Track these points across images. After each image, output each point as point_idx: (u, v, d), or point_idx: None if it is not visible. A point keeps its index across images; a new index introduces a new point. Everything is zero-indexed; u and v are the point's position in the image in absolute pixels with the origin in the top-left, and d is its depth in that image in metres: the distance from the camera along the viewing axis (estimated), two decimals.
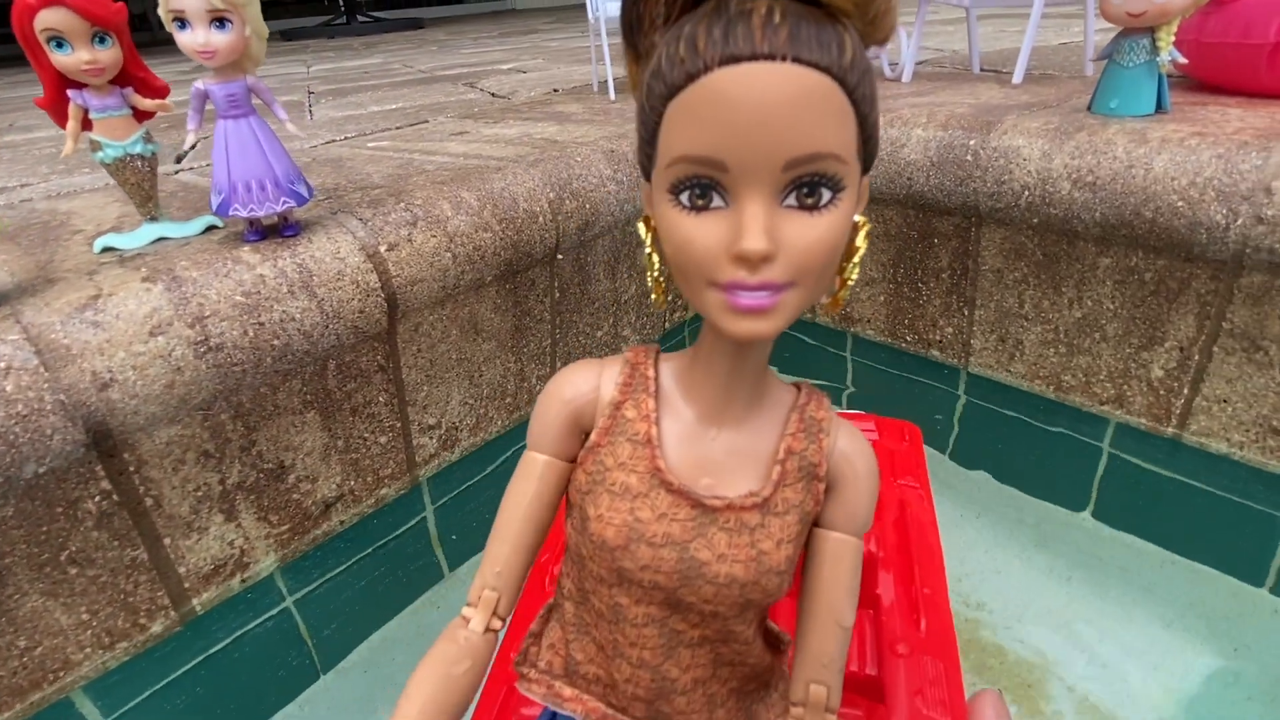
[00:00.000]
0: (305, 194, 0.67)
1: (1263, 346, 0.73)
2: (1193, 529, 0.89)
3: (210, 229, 0.72)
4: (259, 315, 0.63)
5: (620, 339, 1.10)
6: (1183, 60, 0.80)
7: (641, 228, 0.35)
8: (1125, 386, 0.85)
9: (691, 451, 0.37)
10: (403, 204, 0.76)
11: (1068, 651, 0.86)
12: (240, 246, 0.66)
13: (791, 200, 0.28)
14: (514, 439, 0.98)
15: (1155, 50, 0.79)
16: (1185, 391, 0.80)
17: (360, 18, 6.06)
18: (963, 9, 1.27)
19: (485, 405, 0.91)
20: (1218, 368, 0.77)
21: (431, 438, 0.86)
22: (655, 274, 0.36)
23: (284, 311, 0.64)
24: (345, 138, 1.24)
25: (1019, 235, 0.86)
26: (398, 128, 1.30)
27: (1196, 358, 0.78)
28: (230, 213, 0.64)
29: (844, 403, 1.23)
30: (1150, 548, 0.94)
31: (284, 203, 0.65)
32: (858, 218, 0.32)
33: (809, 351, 1.25)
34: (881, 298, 1.06)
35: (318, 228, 0.70)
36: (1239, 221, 0.68)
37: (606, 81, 1.39)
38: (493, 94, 1.70)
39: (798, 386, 0.40)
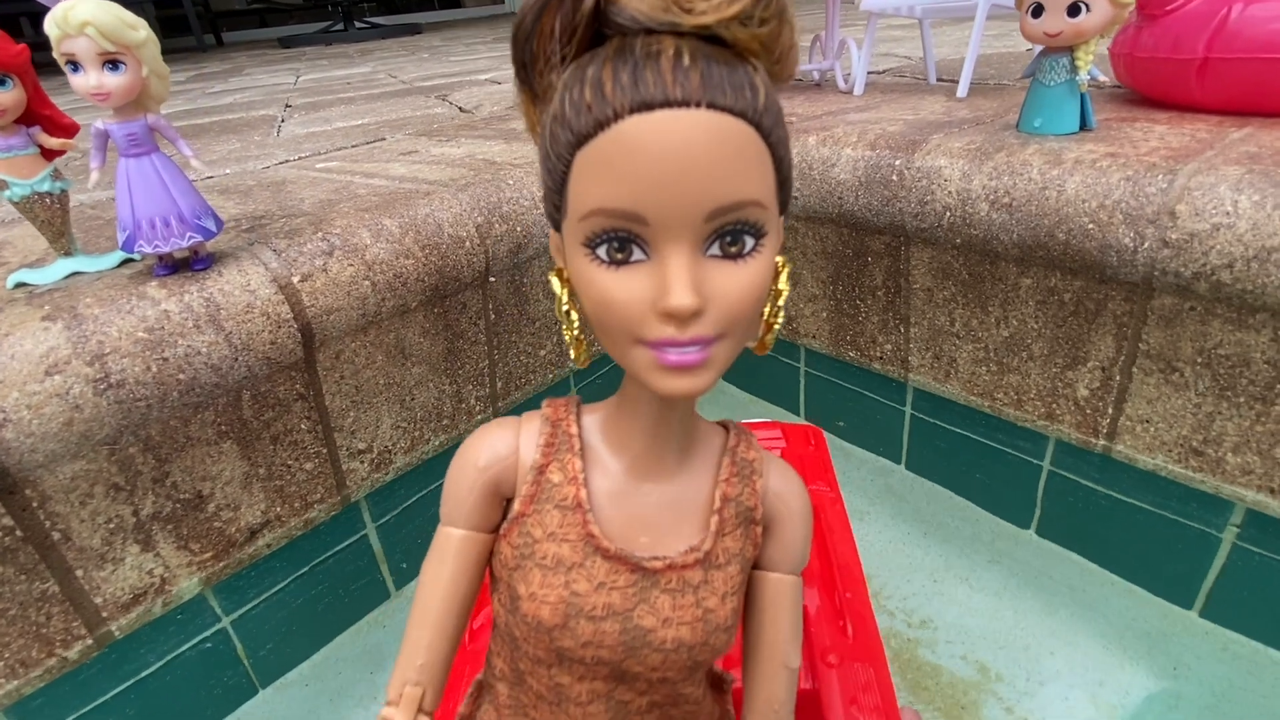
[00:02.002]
0: (213, 228, 0.68)
1: (1178, 368, 0.72)
2: (1130, 547, 0.88)
3: (127, 262, 0.73)
4: (162, 351, 0.64)
5: (566, 357, 1.10)
6: (1102, 78, 0.80)
7: (554, 281, 0.33)
8: (1054, 404, 0.85)
9: (625, 510, 0.35)
10: (320, 233, 0.77)
11: (1009, 670, 0.86)
12: (148, 282, 0.67)
13: (715, 249, 0.27)
14: (451, 457, 0.99)
15: (1074, 69, 0.78)
16: (1110, 411, 0.80)
17: (358, 24, 6.09)
18: (915, 19, 1.26)
19: (419, 427, 0.91)
20: (1138, 388, 0.76)
21: (362, 461, 0.87)
22: (574, 332, 0.33)
23: (189, 346, 0.65)
24: (299, 158, 1.25)
25: (945, 255, 0.86)
26: (353, 146, 1.31)
27: (1118, 378, 0.77)
28: (135, 249, 0.65)
29: (801, 414, 1.23)
30: (1093, 565, 0.93)
31: (190, 238, 0.66)
32: (778, 258, 0.31)
33: (763, 363, 1.25)
34: (824, 313, 1.06)
35: (230, 260, 0.71)
36: (1146, 245, 0.68)
37: None
38: (460, 108, 1.71)
39: (725, 426, 0.39)
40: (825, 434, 0.81)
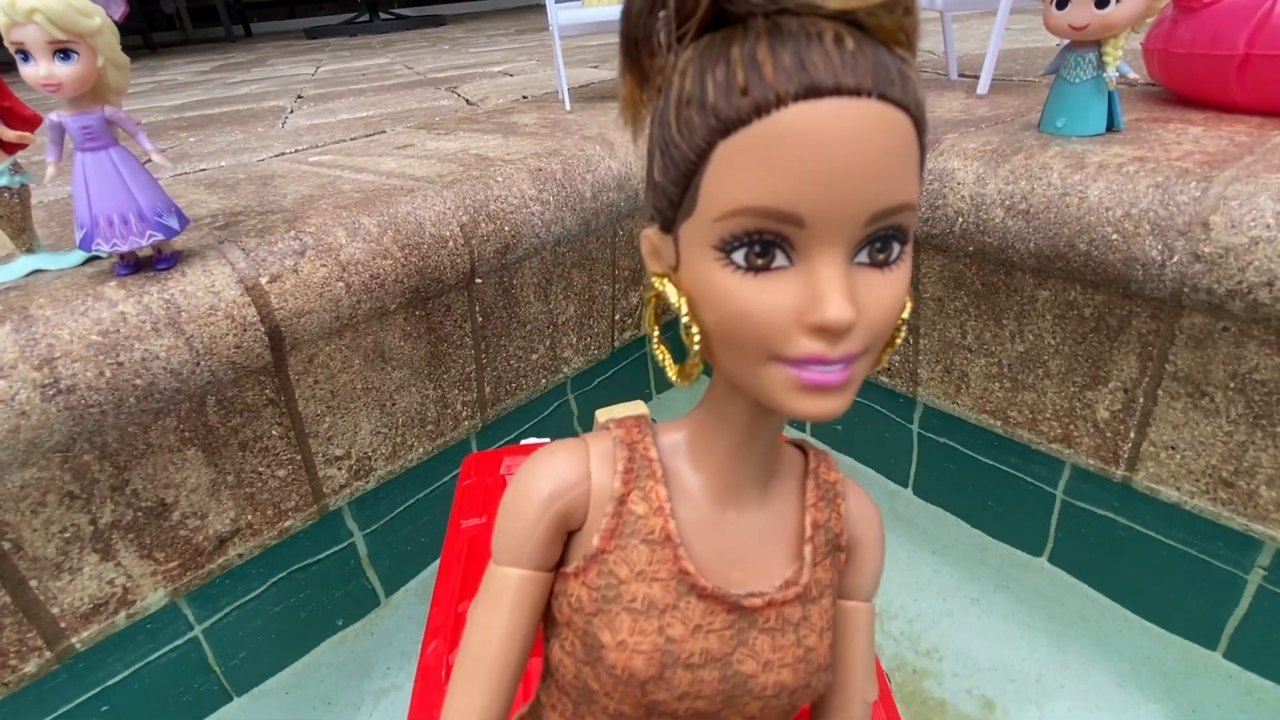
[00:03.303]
0: (175, 226, 0.65)
1: (1208, 392, 0.66)
2: (1148, 581, 0.82)
3: (92, 260, 0.70)
4: (117, 355, 0.61)
5: (561, 361, 1.06)
6: (1133, 75, 0.73)
7: (669, 290, 0.28)
8: (1072, 426, 0.79)
9: (715, 543, 0.31)
10: (293, 232, 0.73)
11: (1019, 705, 0.81)
12: (107, 281, 0.64)
13: (863, 257, 0.25)
14: (442, 463, 0.96)
15: (1102, 65, 0.72)
16: (1132, 435, 0.74)
17: (383, 15, 6.10)
18: (935, 12, 1.20)
19: (402, 433, 0.88)
20: (1163, 412, 0.70)
21: (340, 468, 0.83)
22: (695, 345, 0.28)
23: (146, 350, 0.62)
24: (295, 150, 1.22)
25: (957, 263, 0.80)
26: (351, 139, 1.28)
27: (1141, 400, 0.71)
28: (93, 248, 0.62)
29: (806, 429, 1.18)
30: (1107, 599, 0.88)
31: (150, 236, 0.63)
32: None
33: None
34: None
35: (196, 259, 0.68)
36: (1175, 258, 0.62)
37: (562, 91, 1.35)
38: (466, 100, 1.67)
39: (801, 448, 0.35)
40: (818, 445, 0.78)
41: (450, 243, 0.83)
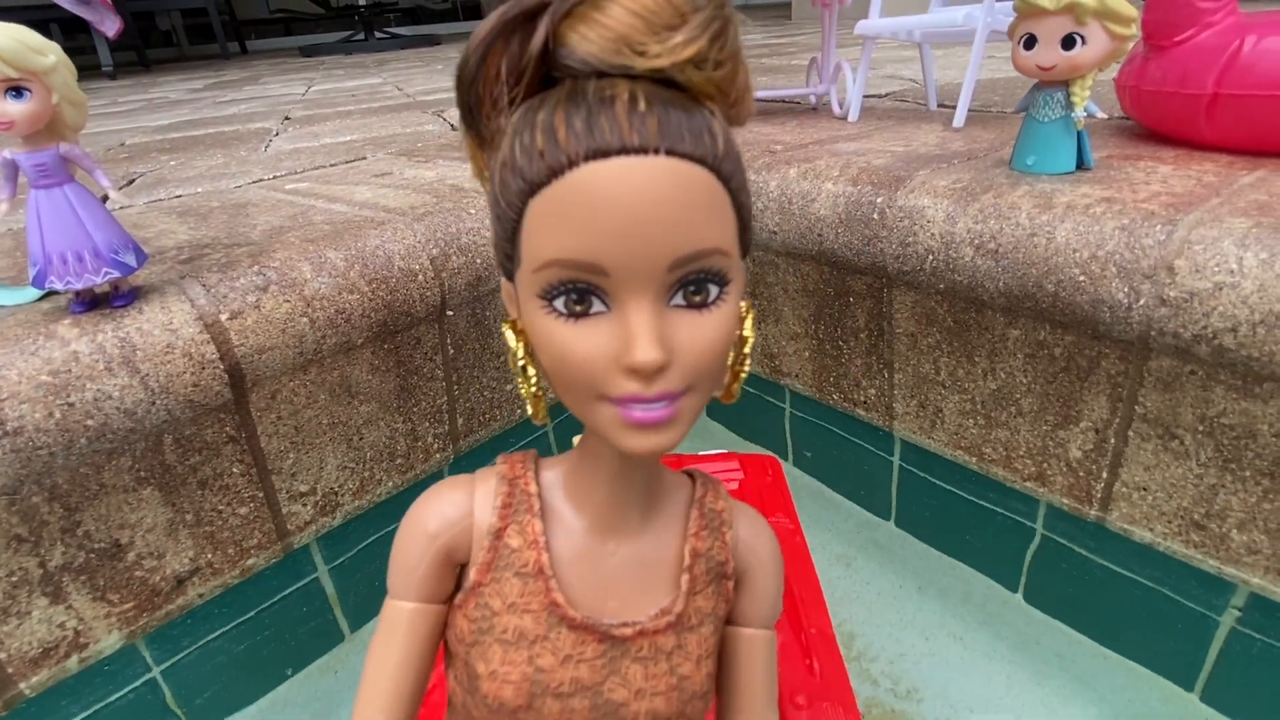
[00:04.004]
0: (132, 263, 0.64)
1: (1177, 435, 0.66)
2: (1125, 621, 0.81)
3: (50, 295, 0.69)
4: (68, 395, 0.60)
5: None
6: (1100, 114, 0.73)
7: (509, 333, 0.31)
8: (1045, 465, 0.78)
9: (590, 574, 0.32)
10: (256, 266, 0.72)
11: None
12: (61, 319, 0.63)
13: (679, 299, 0.26)
14: (411, 498, 0.94)
15: (1070, 105, 0.72)
16: (1104, 475, 0.73)
17: (378, 34, 6.14)
18: (914, 43, 1.20)
19: (370, 467, 0.87)
20: (1135, 453, 0.70)
21: (305, 504, 0.82)
22: (532, 387, 0.31)
23: (99, 390, 0.61)
24: (273, 177, 1.22)
25: (929, 300, 0.80)
26: (332, 165, 1.28)
27: (1113, 441, 0.71)
28: (46, 285, 0.61)
29: (790, 458, 1.17)
30: (1085, 638, 0.87)
31: (105, 274, 0.62)
32: (741, 304, 0.29)
33: (749, 404, 1.19)
34: (806, 353, 1.01)
35: (155, 296, 0.67)
36: (1141, 301, 0.61)
37: None
38: (451, 125, 1.68)
39: (690, 476, 0.36)
40: (782, 464, 0.78)
41: (420, 276, 0.82)
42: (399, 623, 0.33)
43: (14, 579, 0.63)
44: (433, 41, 5.90)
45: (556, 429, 1.14)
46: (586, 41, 0.24)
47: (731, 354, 0.30)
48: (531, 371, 0.31)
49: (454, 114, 1.86)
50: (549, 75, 0.26)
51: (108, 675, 0.74)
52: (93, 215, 0.61)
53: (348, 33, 6.30)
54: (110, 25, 0.59)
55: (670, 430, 0.26)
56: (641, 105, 0.24)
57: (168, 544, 0.72)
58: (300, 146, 1.52)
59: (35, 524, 0.62)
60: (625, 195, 0.24)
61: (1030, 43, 0.72)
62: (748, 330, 0.30)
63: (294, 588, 0.87)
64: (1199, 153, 0.82)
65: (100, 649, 0.71)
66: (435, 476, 0.97)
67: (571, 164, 0.24)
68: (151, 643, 0.76)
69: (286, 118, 2.10)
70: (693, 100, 0.25)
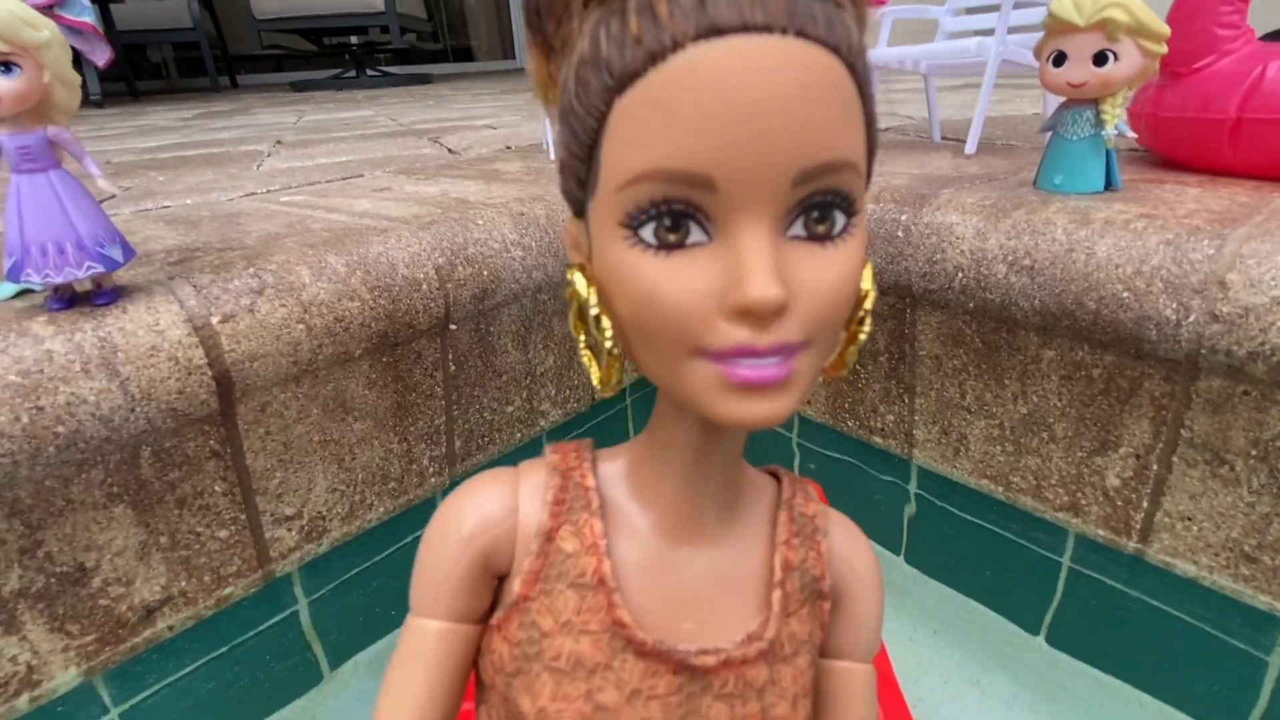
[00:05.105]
0: (118, 258, 0.59)
1: (1227, 460, 0.62)
2: (1164, 663, 0.77)
3: (26, 293, 0.64)
4: (38, 398, 0.54)
5: (538, 414, 1.01)
6: (1130, 134, 0.72)
7: (577, 279, 0.25)
8: (1079, 494, 0.74)
9: (661, 587, 0.27)
10: (252, 269, 0.68)
11: None
12: (37, 316, 0.58)
13: (798, 229, 0.21)
14: (402, 524, 0.88)
15: (1100, 123, 0.71)
16: (1145, 505, 0.70)
17: (370, 72, 6.19)
18: (920, 73, 1.21)
19: (361, 491, 0.81)
20: (1179, 481, 0.66)
21: (290, 529, 0.76)
22: (607, 343, 0.25)
23: (72, 393, 0.55)
24: (267, 190, 1.17)
25: (956, 320, 0.77)
26: (327, 181, 1.24)
27: (1155, 468, 0.68)
28: (22, 279, 0.56)
29: None
30: (1118, 681, 0.82)
31: (88, 268, 0.57)
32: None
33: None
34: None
35: (141, 295, 0.62)
36: (1191, 318, 0.59)
37: (546, 141, 1.34)
38: (449, 149, 1.65)
39: (774, 474, 0.31)
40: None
41: (424, 285, 0.77)
42: (423, 645, 0.28)
43: None
44: (424, 80, 5.96)
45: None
46: None
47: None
48: (607, 322, 0.25)
49: (451, 140, 1.84)
50: None
51: (60, 716, 0.66)
52: (78, 204, 0.57)
53: (339, 70, 6.35)
54: (100, 55, 0.56)
55: (785, 395, 0.22)
56: None
57: (138, 569, 0.65)
58: (294, 166, 1.49)
59: None
60: (743, 84, 0.19)
61: (1059, 59, 0.70)
62: (867, 283, 0.25)
63: (272, 621, 0.80)
64: (1223, 178, 0.81)
65: (54, 686, 0.63)
66: (428, 502, 0.91)
67: (676, 46, 0.19)
68: (112, 680, 0.69)
69: (278, 142, 2.07)
70: None
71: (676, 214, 0.21)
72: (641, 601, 0.26)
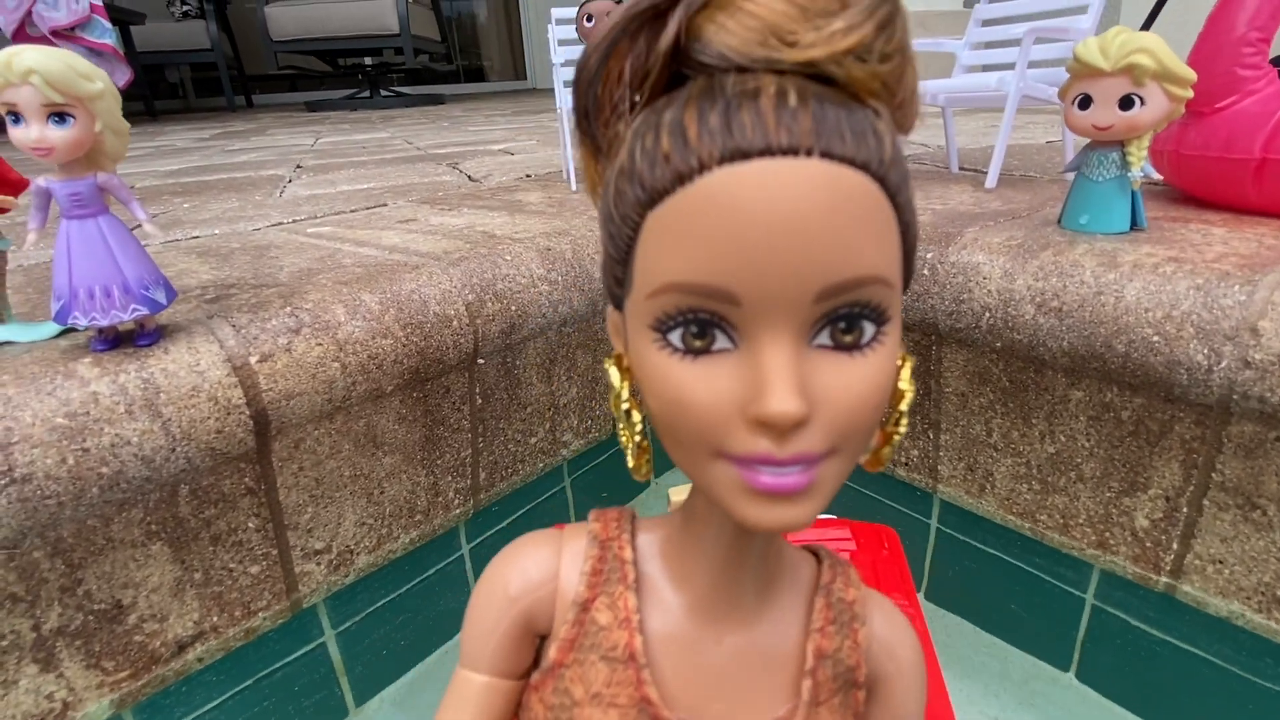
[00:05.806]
0: (162, 300, 0.60)
1: (1259, 505, 0.62)
2: (1195, 706, 0.76)
3: (69, 332, 0.65)
4: (84, 440, 0.55)
5: (560, 444, 1.01)
6: (1156, 176, 0.73)
7: (612, 371, 0.26)
8: (1108, 534, 0.74)
9: (691, 666, 0.27)
10: (289, 308, 0.69)
11: None
12: (81, 358, 0.59)
13: (824, 339, 0.22)
14: (428, 554, 0.89)
15: (1126, 165, 0.72)
16: (1175, 546, 0.69)
17: (383, 92, 6.27)
18: (938, 106, 1.22)
19: (388, 524, 0.81)
20: (1210, 524, 0.66)
21: (319, 563, 0.76)
22: (636, 436, 0.26)
23: (117, 435, 0.56)
24: (293, 220, 1.19)
25: (982, 359, 0.77)
26: (352, 210, 1.26)
27: (1185, 510, 0.67)
28: (70, 321, 0.57)
29: None
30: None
31: (133, 310, 0.58)
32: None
33: None
34: None
35: (181, 335, 0.63)
36: (1223, 364, 0.59)
37: (568, 171, 1.35)
38: (469, 177, 1.67)
39: (815, 554, 0.30)
40: (898, 535, 0.71)
41: (455, 322, 0.78)
42: (468, 698, 0.29)
43: (4, 644, 0.56)
44: (437, 101, 6.03)
45: (574, 483, 1.09)
46: (725, 32, 0.21)
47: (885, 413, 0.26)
48: (636, 417, 0.26)
49: (469, 166, 1.87)
50: (678, 75, 0.22)
51: None
52: (125, 249, 0.58)
53: (353, 90, 6.44)
54: (120, 76, 0.57)
55: (805, 503, 0.22)
56: (792, 99, 0.20)
57: (172, 605, 0.66)
58: (317, 193, 1.51)
59: (34, 582, 0.56)
60: (766, 204, 0.20)
61: (1085, 103, 0.71)
62: (905, 383, 0.25)
63: (299, 653, 0.81)
64: (1246, 217, 0.81)
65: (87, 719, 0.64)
66: (451, 533, 0.92)
67: (703, 168, 0.20)
68: (140, 712, 0.69)
69: (299, 166, 2.10)
70: (853, 98, 0.21)
71: (703, 322, 0.21)
72: (671, 679, 0.27)
